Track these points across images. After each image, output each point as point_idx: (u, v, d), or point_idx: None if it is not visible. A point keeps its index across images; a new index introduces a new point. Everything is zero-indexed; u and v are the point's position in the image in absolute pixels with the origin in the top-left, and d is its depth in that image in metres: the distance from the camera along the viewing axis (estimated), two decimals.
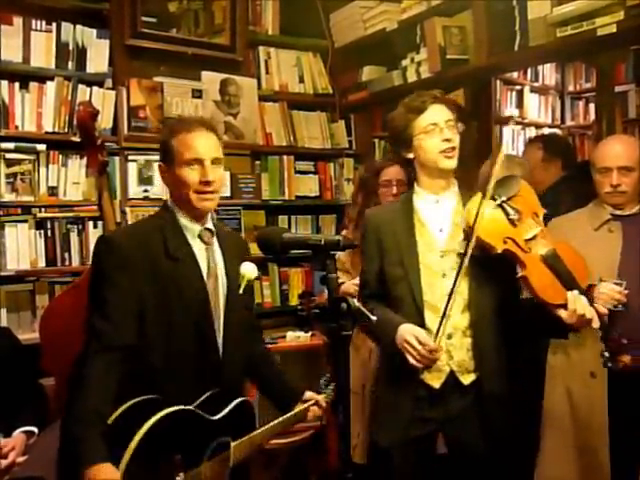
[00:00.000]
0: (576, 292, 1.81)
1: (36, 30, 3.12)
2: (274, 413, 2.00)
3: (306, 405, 2.00)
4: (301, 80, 4.02)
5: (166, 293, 1.74)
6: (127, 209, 3.31)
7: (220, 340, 1.82)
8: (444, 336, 1.90)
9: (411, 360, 1.88)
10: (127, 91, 3.34)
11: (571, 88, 5.43)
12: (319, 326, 3.43)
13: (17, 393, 2.32)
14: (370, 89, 3.84)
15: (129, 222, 3.23)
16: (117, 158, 3.31)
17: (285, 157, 3.91)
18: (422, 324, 1.95)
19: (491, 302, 1.96)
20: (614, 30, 2.49)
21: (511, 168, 2.29)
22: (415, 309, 1.96)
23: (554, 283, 1.83)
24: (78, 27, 3.22)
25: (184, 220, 1.82)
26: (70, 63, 3.20)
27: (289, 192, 3.90)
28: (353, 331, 2.34)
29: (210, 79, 3.61)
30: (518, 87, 5.11)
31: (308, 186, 4.00)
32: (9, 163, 3.04)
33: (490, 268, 1.94)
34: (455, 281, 1.87)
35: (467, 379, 1.96)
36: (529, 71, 5.14)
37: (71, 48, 3.20)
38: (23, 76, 3.10)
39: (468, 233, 1.92)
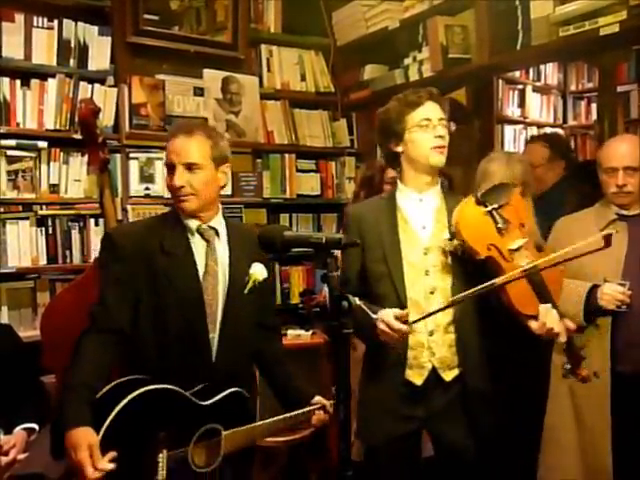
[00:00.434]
0: (549, 306, 1.84)
1: (38, 27, 3.12)
2: (276, 414, 2.00)
3: (311, 408, 1.99)
4: (303, 78, 4.02)
5: (159, 288, 1.79)
6: (128, 207, 3.31)
7: (216, 338, 1.84)
8: (426, 333, 1.95)
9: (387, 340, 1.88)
10: (129, 89, 3.33)
11: (573, 88, 5.42)
12: (320, 324, 3.44)
13: (18, 390, 2.32)
14: (372, 88, 3.84)
15: (130, 220, 3.23)
16: (118, 156, 3.31)
17: (287, 155, 3.90)
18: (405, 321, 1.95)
19: (473, 299, 1.96)
20: (617, 30, 2.48)
21: (512, 166, 2.28)
22: (398, 306, 1.95)
23: (529, 294, 1.86)
24: (80, 24, 3.21)
25: (184, 218, 1.88)
26: (72, 60, 3.20)
27: (290, 190, 3.90)
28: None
29: (212, 77, 3.61)
30: (520, 86, 5.10)
31: (309, 184, 4.00)
32: (10, 160, 3.04)
33: (473, 266, 1.94)
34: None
35: (449, 375, 1.98)
36: (531, 70, 5.14)
37: (73, 45, 3.20)
38: (24, 73, 3.09)
39: (455, 234, 1.94)
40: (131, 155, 3.35)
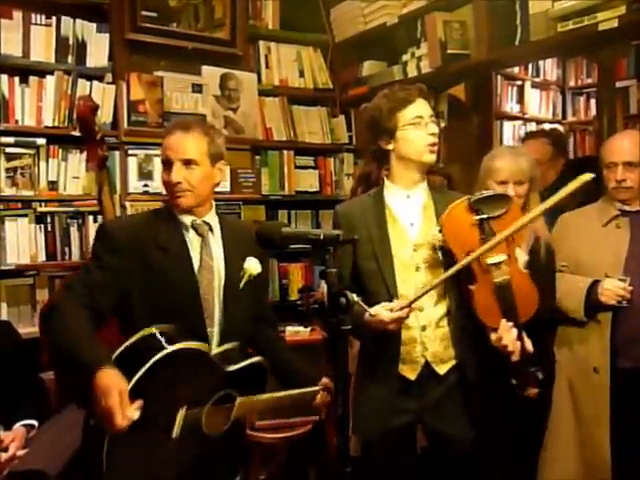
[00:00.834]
0: (510, 324, 1.86)
1: (36, 24, 3.11)
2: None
3: (316, 388, 1.99)
4: (301, 75, 4.01)
5: (155, 282, 1.79)
6: (127, 204, 3.30)
7: (215, 332, 1.85)
8: (419, 328, 1.97)
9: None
10: (127, 85, 3.33)
11: (572, 83, 5.43)
12: (318, 321, 3.44)
13: (17, 387, 2.33)
14: (370, 84, 3.83)
15: None
16: (117, 153, 3.30)
17: (285, 152, 3.90)
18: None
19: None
20: (615, 25, 2.48)
21: (519, 161, 2.20)
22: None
23: (494, 309, 1.88)
24: (78, 21, 3.21)
25: (178, 214, 1.88)
26: (70, 57, 3.19)
27: (289, 187, 3.89)
28: None
29: (210, 74, 3.60)
30: (519, 82, 5.11)
31: (308, 181, 3.99)
32: (9, 157, 3.04)
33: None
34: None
35: (443, 369, 1.99)
36: (530, 66, 5.14)
37: (71, 42, 3.19)
38: (23, 70, 3.09)
39: (440, 230, 1.96)
40: (130, 152, 3.35)
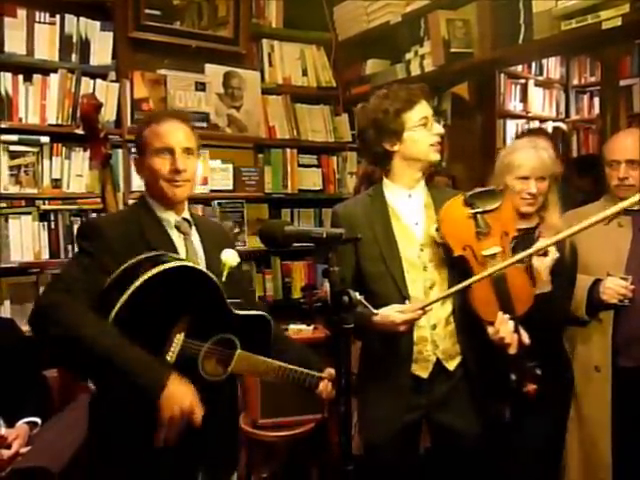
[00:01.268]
0: (507, 316, 1.88)
1: (40, 22, 3.12)
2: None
3: (321, 374, 1.92)
4: (304, 73, 4.01)
5: None
6: (130, 202, 3.31)
7: None
8: (429, 327, 1.98)
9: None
10: (130, 84, 3.34)
11: (576, 82, 5.41)
12: (321, 319, 3.44)
13: (20, 384, 2.33)
14: (374, 82, 3.82)
15: None
16: (120, 151, 3.32)
17: (288, 150, 3.90)
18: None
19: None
20: (619, 23, 2.47)
21: (541, 156, 2.10)
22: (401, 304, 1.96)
23: (491, 302, 1.91)
24: (82, 19, 3.22)
25: (160, 212, 1.82)
26: (74, 55, 3.20)
27: (292, 185, 3.90)
28: None
29: (213, 72, 3.60)
30: (522, 81, 5.10)
31: (311, 179, 4.00)
32: (13, 155, 3.05)
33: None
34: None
35: (452, 364, 2.01)
36: (533, 65, 5.13)
37: (75, 40, 3.20)
38: (27, 68, 3.10)
39: (438, 227, 1.98)
40: (133, 150, 3.33)
